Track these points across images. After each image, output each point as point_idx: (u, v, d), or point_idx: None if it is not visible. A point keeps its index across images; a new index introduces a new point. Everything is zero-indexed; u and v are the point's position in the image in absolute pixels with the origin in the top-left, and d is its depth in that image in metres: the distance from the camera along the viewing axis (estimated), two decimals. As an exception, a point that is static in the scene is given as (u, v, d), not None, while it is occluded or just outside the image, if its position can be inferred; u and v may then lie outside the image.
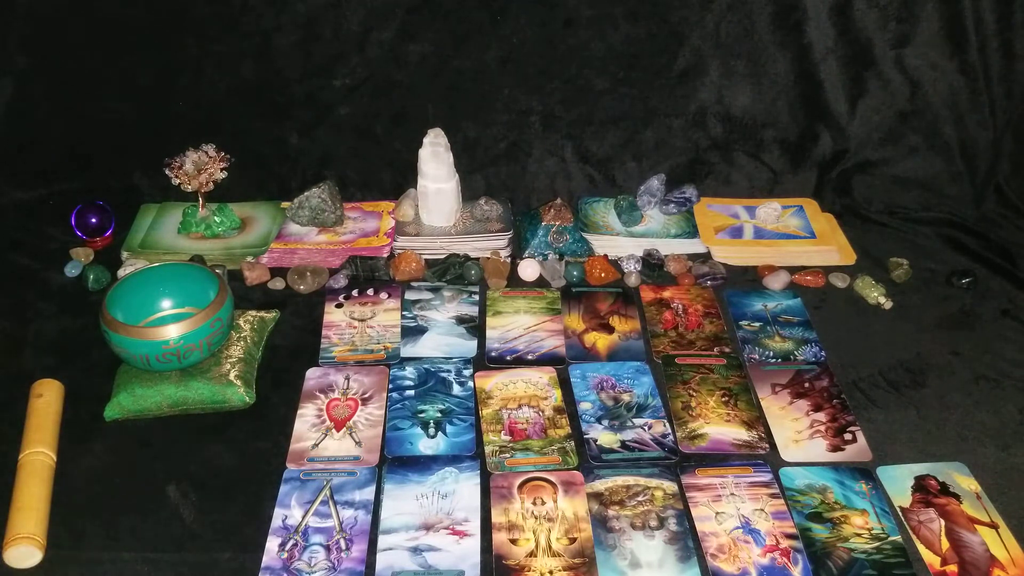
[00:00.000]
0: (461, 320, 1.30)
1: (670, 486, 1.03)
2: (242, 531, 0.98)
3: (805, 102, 1.52)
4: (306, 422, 1.11)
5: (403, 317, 1.30)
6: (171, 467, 1.05)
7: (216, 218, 1.43)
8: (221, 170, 1.44)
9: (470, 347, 1.24)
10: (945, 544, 0.97)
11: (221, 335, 1.14)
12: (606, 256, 1.40)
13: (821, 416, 1.13)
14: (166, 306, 1.20)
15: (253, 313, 1.26)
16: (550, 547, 0.95)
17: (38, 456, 1.02)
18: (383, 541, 0.96)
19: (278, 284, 1.36)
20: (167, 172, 1.43)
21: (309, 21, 1.45)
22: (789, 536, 0.97)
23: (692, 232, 1.46)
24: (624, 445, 1.09)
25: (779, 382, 1.19)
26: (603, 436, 1.10)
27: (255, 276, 1.37)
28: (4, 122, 1.49)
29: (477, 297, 1.34)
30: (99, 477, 1.04)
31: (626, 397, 1.16)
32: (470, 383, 1.18)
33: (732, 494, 1.02)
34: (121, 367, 1.15)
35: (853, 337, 1.28)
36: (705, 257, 1.44)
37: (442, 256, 1.40)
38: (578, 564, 0.94)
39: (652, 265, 1.39)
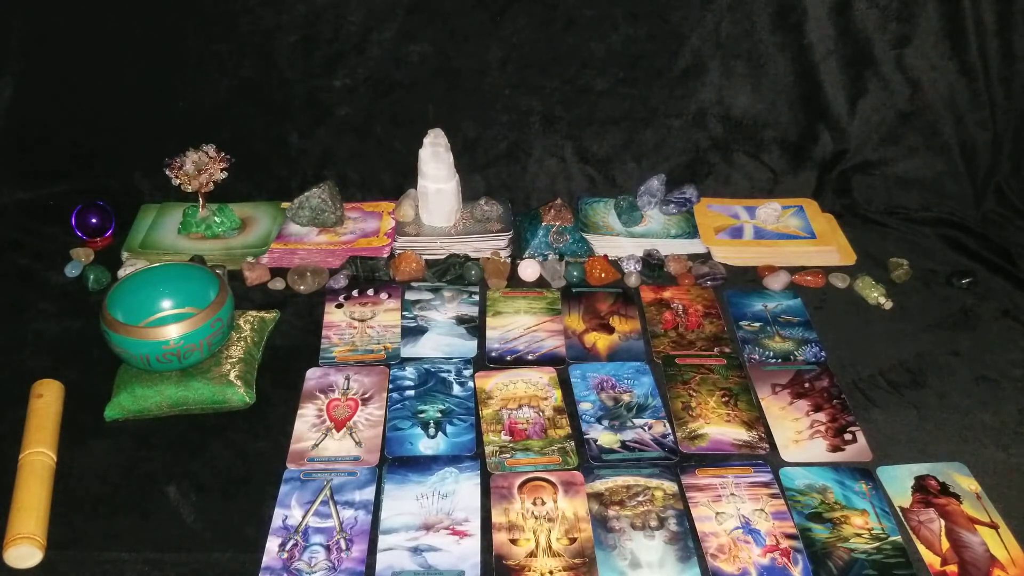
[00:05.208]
0: (461, 320, 1.29)
1: (670, 486, 1.03)
2: (242, 531, 0.97)
3: (805, 102, 1.52)
4: (306, 422, 1.11)
5: (403, 317, 1.30)
6: (171, 467, 1.05)
7: (216, 218, 1.43)
8: (221, 170, 1.44)
9: (470, 347, 1.24)
10: (945, 544, 0.97)
11: (221, 335, 1.14)
12: (606, 256, 1.40)
13: (821, 416, 1.13)
14: (166, 306, 1.20)
15: (253, 313, 1.26)
16: (550, 547, 0.95)
17: (38, 456, 1.02)
18: (383, 541, 0.96)
19: (278, 284, 1.36)
20: (167, 172, 1.43)
21: (309, 21, 1.45)
22: (789, 536, 0.97)
23: (692, 232, 1.46)
24: (624, 445, 1.09)
25: (779, 382, 1.18)
26: (603, 436, 1.10)
27: (255, 276, 1.37)
28: (4, 122, 1.49)
29: (477, 297, 1.34)
30: (99, 477, 1.04)
31: (626, 397, 1.16)
32: (470, 383, 1.18)
33: (732, 494, 1.02)
34: (121, 367, 1.15)
35: (853, 337, 1.27)
36: (705, 257, 1.44)
37: (442, 256, 1.39)
38: (578, 564, 0.94)
39: (652, 265, 1.39)
